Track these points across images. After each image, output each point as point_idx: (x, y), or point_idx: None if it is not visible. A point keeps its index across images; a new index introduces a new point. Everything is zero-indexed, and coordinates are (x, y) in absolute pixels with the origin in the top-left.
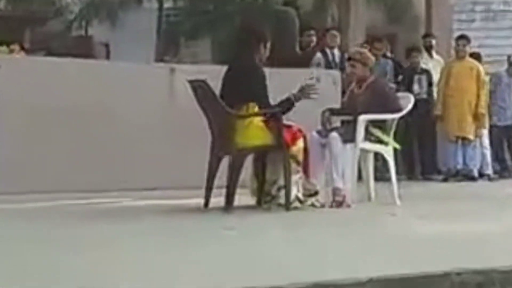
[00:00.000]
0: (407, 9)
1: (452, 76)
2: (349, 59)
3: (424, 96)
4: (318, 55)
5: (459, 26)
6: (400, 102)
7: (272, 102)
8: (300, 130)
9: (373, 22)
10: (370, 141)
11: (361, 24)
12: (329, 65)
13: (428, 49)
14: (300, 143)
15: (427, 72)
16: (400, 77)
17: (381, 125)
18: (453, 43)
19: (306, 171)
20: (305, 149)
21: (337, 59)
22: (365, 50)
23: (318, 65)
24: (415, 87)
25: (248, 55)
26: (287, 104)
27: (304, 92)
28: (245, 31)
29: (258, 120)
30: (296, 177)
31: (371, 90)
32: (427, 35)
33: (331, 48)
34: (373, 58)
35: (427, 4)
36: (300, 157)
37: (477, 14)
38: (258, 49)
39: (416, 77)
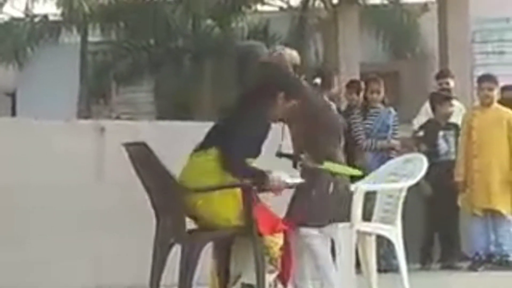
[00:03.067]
0: (414, 40)
1: (475, 129)
2: None
3: (453, 157)
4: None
5: (484, 60)
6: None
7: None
8: (285, 223)
9: (369, 58)
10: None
11: (353, 60)
12: None
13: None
14: (279, 239)
15: (455, 126)
16: (421, 133)
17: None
18: (476, 83)
19: (284, 278)
20: (286, 248)
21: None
22: None
23: None
24: (442, 145)
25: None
26: (260, 177)
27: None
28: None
29: (222, 193)
30: (270, 279)
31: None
32: (443, 74)
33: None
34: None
35: (440, 33)
36: (276, 255)
37: (506, 44)
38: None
39: (441, 133)
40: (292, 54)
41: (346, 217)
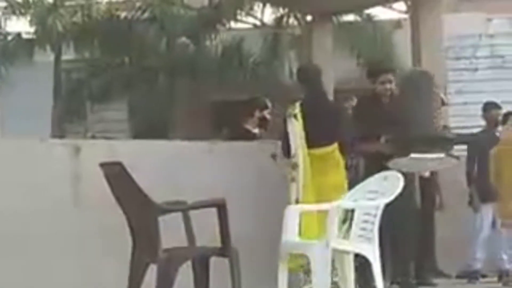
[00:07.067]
0: (388, 56)
1: None
2: None
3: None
4: None
5: (457, 76)
6: None
7: None
8: None
9: (344, 74)
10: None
11: (328, 77)
12: None
13: None
14: None
15: None
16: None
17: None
18: (450, 97)
19: None
20: None
21: None
22: None
23: None
24: None
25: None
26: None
27: None
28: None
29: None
30: None
31: None
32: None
33: None
34: None
35: (413, 49)
36: None
37: (479, 61)
38: None
39: None
40: None
41: None
